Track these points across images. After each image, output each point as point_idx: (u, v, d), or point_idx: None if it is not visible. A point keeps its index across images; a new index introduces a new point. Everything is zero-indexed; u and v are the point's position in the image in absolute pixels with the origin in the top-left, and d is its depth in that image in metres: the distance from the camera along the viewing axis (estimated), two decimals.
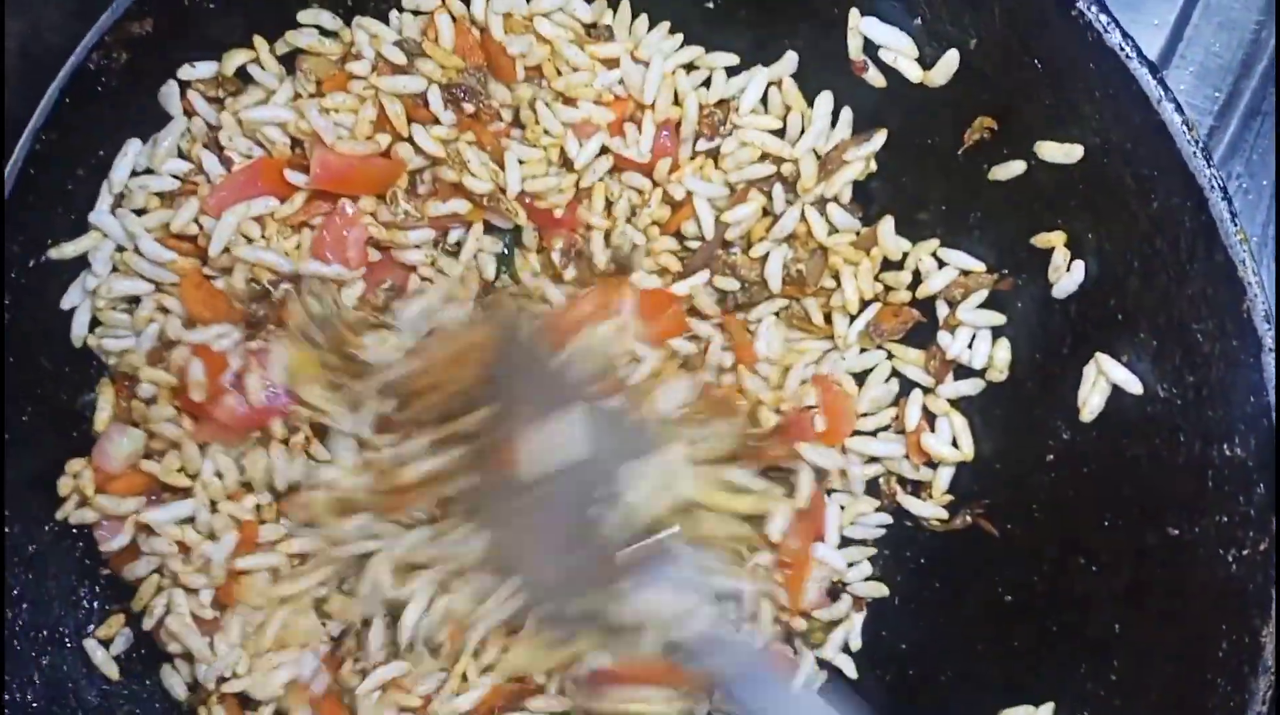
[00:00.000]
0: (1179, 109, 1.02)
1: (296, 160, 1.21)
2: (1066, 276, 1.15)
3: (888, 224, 1.24)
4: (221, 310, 1.19)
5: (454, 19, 1.21)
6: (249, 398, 1.17)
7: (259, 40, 1.20)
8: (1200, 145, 1.02)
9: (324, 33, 1.22)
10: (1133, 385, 1.12)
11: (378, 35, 1.21)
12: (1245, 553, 1.05)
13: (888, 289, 1.27)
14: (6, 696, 1.14)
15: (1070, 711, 1.18)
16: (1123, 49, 1.02)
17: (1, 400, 1.14)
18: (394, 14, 1.22)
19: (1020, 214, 1.18)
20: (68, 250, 1.17)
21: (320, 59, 1.22)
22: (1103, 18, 1.03)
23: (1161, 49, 1.47)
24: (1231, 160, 1.47)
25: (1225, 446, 1.05)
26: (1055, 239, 1.16)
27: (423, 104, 1.20)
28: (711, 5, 1.22)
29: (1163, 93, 1.02)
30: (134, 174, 1.20)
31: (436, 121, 1.20)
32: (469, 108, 1.20)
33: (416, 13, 1.22)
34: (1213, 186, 1.02)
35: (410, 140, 1.21)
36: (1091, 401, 1.15)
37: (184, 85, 1.20)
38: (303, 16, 1.21)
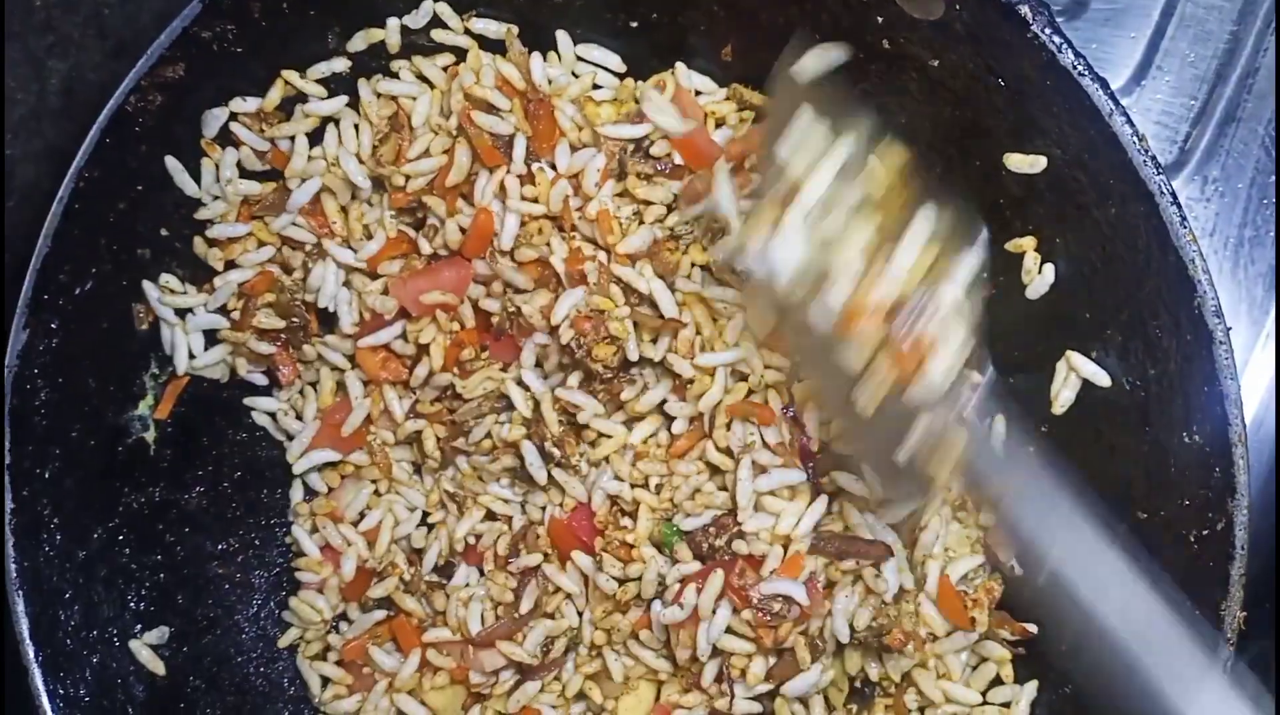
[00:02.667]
0: (1129, 122, 1.06)
1: None
2: (1038, 278, 1.19)
3: None
4: None
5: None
6: None
7: (288, 73, 1.26)
8: (1150, 154, 1.05)
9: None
10: (1101, 378, 1.16)
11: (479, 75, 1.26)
12: (1205, 532, 1.08)
13: None
14: (60, 690, 1.19)
15: (1053, 688, 1.22)
16: (1075, 67, 1.06)
17: (4, 436, 1.19)
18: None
19: (996, 221, 1.20)
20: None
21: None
22: (1056, 39, 1.06)
23: (1139, 60, 1.50)
24: (1208, 164, 1.49)
25: (1185, 434, 1.09)
26: (1026, 244, 1.19)
27: (505, 148, 1.25)
28: None
29: (1113, 106, 1.05)
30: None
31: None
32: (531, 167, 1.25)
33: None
34: (1162, 192, 1.05)
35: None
36: (1063, 395, 1.19)
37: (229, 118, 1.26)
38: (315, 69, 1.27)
